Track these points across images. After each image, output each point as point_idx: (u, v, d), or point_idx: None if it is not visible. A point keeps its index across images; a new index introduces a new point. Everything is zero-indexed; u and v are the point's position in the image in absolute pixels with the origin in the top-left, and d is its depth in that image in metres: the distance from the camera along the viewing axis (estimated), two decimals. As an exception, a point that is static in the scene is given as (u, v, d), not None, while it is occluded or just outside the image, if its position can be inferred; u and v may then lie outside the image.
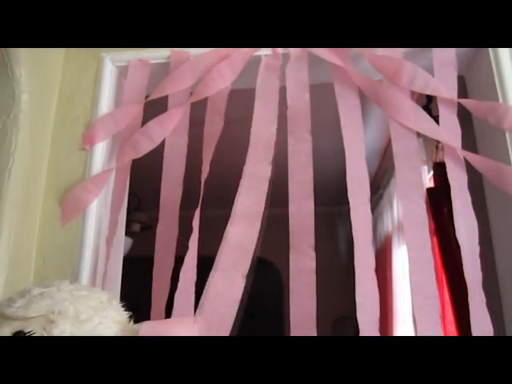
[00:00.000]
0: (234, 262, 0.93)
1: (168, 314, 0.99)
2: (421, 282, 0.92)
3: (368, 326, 0.91)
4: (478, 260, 0.91)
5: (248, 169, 1.01)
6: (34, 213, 1.08)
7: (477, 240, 0.92)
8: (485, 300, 0.88)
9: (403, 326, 2.23)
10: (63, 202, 1.08)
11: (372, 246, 0.96)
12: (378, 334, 0.91)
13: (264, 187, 0.99)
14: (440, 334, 0.89)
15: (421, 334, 0.89)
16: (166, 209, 1.07)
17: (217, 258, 0.92)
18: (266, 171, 1.01)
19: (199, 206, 1.01)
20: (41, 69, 1.13)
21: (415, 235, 0.95)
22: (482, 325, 0.87)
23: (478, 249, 0.92)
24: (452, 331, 1.56)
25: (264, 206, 0.98)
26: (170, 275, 1.02)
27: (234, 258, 0.93)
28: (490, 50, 1.04)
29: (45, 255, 1.06)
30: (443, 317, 1.68)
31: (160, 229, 1.06)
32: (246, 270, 0.93)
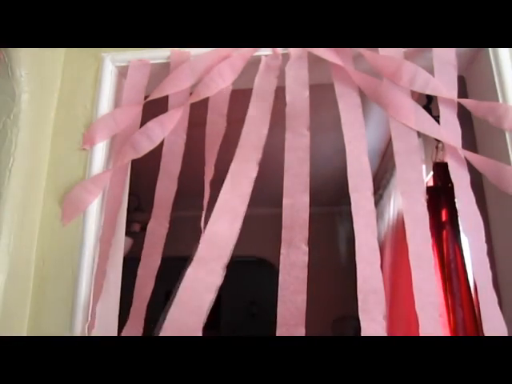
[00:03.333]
0: (213, 256, 0.94)
1: (147, 314, 1.00)
2: (422, 279, 0.91)
3: (371, 324, 0.89)
4: (487, 258, 0.90)
5: (235, 167, 1.01)
6: (34, 213, 1.08)
7: (483, 238, 0.91)
8: (496, 299, 0.87)
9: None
10: (63, 202, 1.08)
11: (377, 241, 0.95)
12: (385, 333, 0.88)
13: (249, 188, 1.00)
14: (439, 332, 0.88)
15: (422, 332, 0.88)
16: (159, 206, 1.07)
17: (196, 253, 0.94)
18: (253, 171, 1.01)
19: (205, 208, 1.01)
20: (41, 69, 1.13)
21: (416, 231, 0.95)
22: (494, 324, 0.86)
23: (485, 247, 0.91)
24: (445, 332, 1.55)
25: (246, 207, 0.98)
26: (154, 274, 1.02)
27: (214, 252, 0.94)
28: (490, 50, 1.04)
29: (45, 255, 1.06)
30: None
31: (151, 226, 1.06)
32: (225, 264, 0.94)
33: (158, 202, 1.07)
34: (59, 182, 1.11)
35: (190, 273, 0.92)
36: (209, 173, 1.05)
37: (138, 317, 0.99)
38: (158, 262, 1.02)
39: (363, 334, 0.88)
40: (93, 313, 1.00)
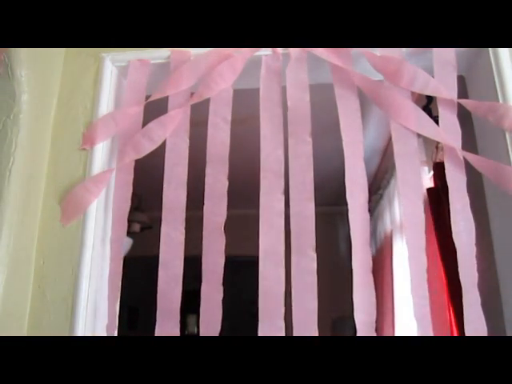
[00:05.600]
0: (272, 311, 0.96)
1: (182, 315, 1.00)
2: (417, 282, 0.94)
3: (364, 326, 0.93)
4: (475, 261, 0.92)
5: (264, 201, 1.02)
6: (34, 213, 1.08)
7: (474, 241, 0.93)
8: (479, 300, 0.89)
9: (404, 326, 2.24)
10: (63, 202, 1.08)
11: (369, 248, 0.97)
12: (374, 334, 0.92)
13: (282, 222, 1.01)
14: (430, 333, 0.90)
15: (419, 333, 0.91)
16: (169, 211, 1.06)
17: (260, 310, 0.97)
18: (280, 202, 1.02)
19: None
20: (41, 69, 1.13)
21: (413, 235, 0.97)
22: (475, 325, 0.88)
23: (474, 250, 0.92)
24: (452, 331, 1.56)
25: (283, 243, 0.99)
26: (180, 277, 1.02)
27: (271, 307, 0.96)
28: (490, 50, 1.04)
29: (45, 255, 1.06)
30: (438, 316, 1.68)
31: (165, 231, 1.05)
32: (283, 318, 0.96)
33: (168, 207, 1.06)
34: (59, 181, 1.11)
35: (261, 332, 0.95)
36: (222, 184, 1.05)
37: (170, 320, 0.99)
38: (181, 266, 1.02)
39: (359, 334, 0.92)
40: (111, 313, 1.01)
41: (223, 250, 1.01)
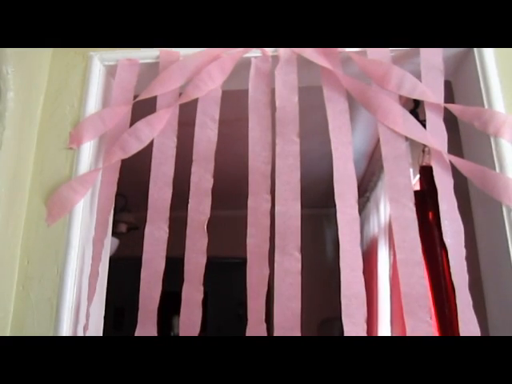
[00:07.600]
0: (256, 307, 0.97)
1: (160, 315, 0.99)
2: (411, 284, 0.93)
3: (354, 327, 0.91)
4: (465, 263, 0.92)
5: (251, 203, 1.03)
6: (20, 212, 1.06)
7: (463, 243, 0.94)
8: (471, 302, 0.90)
9: (387, 327, 2.25)
10: (49, 201, 1.07)
11: (360, 247, 0.97)
12: (365, 334, 0.91)
13: (268, 222, 1.01)
14: (431, 334, 0.90)
15: (411, 335, 0.90)
16: (154, 210, 1.06)
17: (248, 307, 0.97)
18: (267, 203, 1.02)
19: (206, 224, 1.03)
20: (27, 67, 1.12)
21: (405, 238, 0.96)
22: (468, 326, 0.88)
23: (464, 252, 0.93)
24: (434, 332, 1.57)
25: (268, 243, 0.99)
26: (160, 277, 1.01)
27: (255, 303, 0.97)
28: (477, 55, 1.06)
29: (30, 255, 1.04)
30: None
31: (149, 230, 1.04)
32: (264, 317, 0.96)
33: (153, 206, 1.06)
34: (45, 181, 1.10)
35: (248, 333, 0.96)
36: (207, 182, 1.05)
37: (149, 321, 0.99)
38: (163, 265, 1.02)
39: (347, 335, 0.91)
40: (87, 314, 1.00)
41: (205, 250, 1.01)
